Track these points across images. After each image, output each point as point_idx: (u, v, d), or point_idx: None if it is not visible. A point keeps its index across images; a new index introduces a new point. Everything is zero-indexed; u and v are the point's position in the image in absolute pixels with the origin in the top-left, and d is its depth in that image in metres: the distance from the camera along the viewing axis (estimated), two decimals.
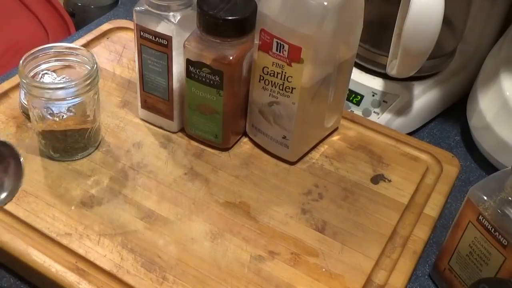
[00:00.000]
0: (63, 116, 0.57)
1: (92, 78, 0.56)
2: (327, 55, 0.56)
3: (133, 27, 0.59)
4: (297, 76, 0.55)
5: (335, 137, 0.65)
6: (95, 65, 0.57)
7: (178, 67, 0.59)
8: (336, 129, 0.66)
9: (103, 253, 0.52)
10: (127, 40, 0.77)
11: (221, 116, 0.60)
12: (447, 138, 0.73)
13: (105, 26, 0.78)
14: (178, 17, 0.56)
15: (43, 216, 0.54)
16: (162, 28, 0.57)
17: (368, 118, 0.70)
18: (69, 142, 0.59)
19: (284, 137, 0.60)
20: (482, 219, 0.48)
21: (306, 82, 0.55)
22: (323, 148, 0.64)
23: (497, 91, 0.65)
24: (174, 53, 0.58)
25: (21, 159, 0.46)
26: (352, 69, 0.63)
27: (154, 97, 0.63)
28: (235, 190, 0.59)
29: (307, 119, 0.59)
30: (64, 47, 0.60)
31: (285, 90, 0.56)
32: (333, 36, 0.54)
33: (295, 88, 0.56)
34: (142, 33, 0.58)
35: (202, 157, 0.62)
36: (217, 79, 0.57)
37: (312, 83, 0.56)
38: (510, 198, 0.46)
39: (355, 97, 0.71)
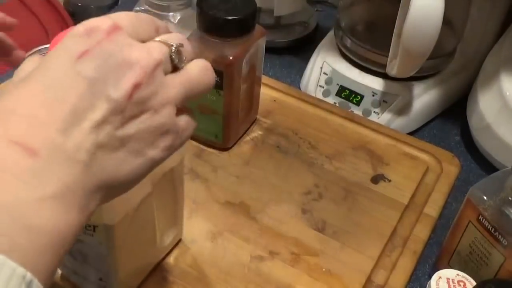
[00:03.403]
0: None
1: None
2: None
3: None
4: (97, 215, 0.40)
5: (335, 137, 0.65)
6: None
7: None
8: (339, 131, 0.66)
9: None
10: None
11: (221, 116, 0.60)
12: (447, 138, 0.73)
13: None
14: (178, 17, 0.57)
15: None
16: None
17: (368, 118, 0.69)
18: None
19: (101, 279, 0.47)
20: (482, 219, 0.48)
21: (109, 220, 0.42)
22: (322, 147, 0.64)
23: (497, 91, 0.65)
24: None
25: None
26: (183, 173, 0.49)
27: None
28: (235, 190, 0.59)
29: (127, 256, 0.46)
30: None
31: (86, 228, 0.43)
32: None
33: (97, 227, 0.42)
34: None
35: (202, 157, 0.62)
36: (217, 79, 0.57)
37: (118, 218, 0.42)
38: (510, 198, 0.46)
39: (355, 97, 0.71)
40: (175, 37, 0.34)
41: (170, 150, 0.33)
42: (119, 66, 0.30)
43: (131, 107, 0.30)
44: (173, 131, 0.33)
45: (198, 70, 0.34)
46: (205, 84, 0.35)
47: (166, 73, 0.32)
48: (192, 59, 0.35)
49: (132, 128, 0.30)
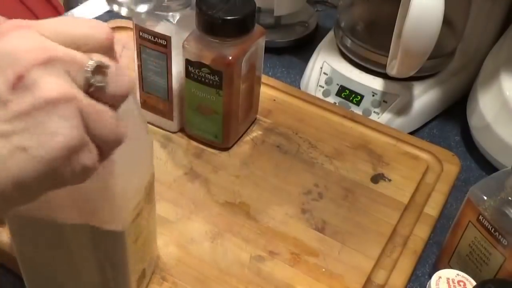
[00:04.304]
0: None
1: None
2: None
3: (132, 27, 0.59)
4: None
5: (335, 136, 0.65)
6: None
7: (177, 67, 0.59)
8: (334, 129, 0.66)
9: None
10: (127, 40, 0.77)
11: (220, 116, 0.60)
12: (447, 138, 0.73)
13: None
14: (177, 17, 0.56)
15: None
16: (161, 28, 0.57)
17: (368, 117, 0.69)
18: None
19: None
20: (482, 219, 0.48)
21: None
22: (322, 147, 0.64)
23: (497, 91, 0.65)
24: (173, 53, 0.58)
25: None
26: (154, 204, 0.45)
27: (153, 97, 0.62)
28: (235, 190, 0.59)
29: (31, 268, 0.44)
30: None
31: None
32: None
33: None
34: (141, 33, 0.58)
35: (202, 157, 0.62)
36: (217, 79, 0.57)
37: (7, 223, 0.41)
38: (510, 198, 0.46)
39: (355, 97, 0.71)
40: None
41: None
42: None
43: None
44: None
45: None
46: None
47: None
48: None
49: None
